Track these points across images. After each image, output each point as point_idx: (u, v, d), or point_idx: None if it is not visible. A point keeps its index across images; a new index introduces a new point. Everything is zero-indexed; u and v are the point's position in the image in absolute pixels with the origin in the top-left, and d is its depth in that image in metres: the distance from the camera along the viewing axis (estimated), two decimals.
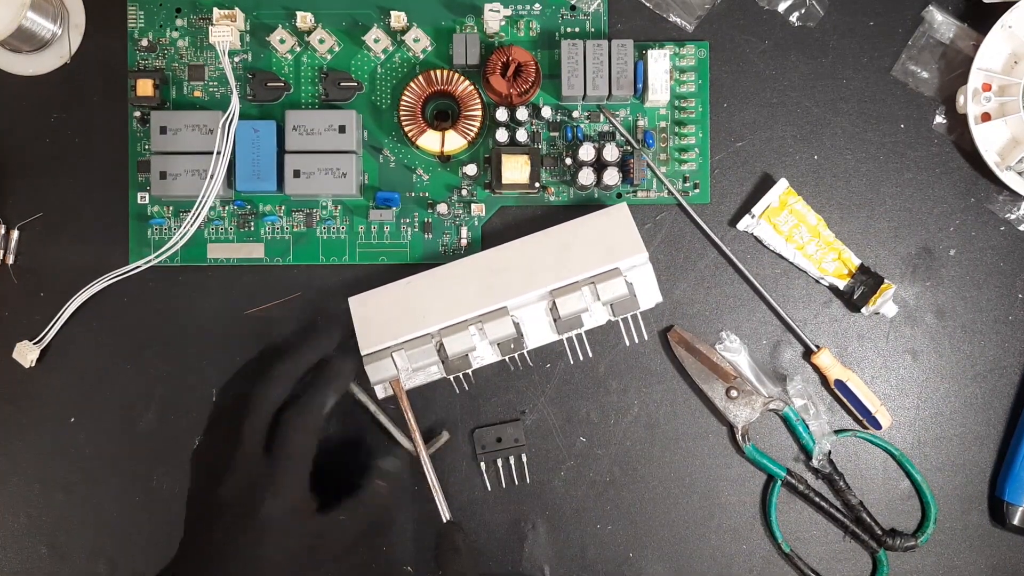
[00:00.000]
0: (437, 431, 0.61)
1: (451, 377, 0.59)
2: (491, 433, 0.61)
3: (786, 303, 0.62)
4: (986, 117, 0.60)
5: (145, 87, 0.60)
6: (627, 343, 0.60)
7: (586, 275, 0.57)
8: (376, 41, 0.60)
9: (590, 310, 0.59)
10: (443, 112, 0.61)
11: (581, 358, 0.61)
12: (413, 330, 0.57)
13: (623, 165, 0.60)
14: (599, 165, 0.59)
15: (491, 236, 0.62)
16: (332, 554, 0.51)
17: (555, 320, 0.59)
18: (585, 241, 0.58)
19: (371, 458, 0.55)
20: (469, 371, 0.59)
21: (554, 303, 0.57)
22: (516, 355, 0.59)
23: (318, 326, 0.56)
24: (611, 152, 0.59)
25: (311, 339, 0.55)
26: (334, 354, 0.55)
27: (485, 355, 0.59)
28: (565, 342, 0.60)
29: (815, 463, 0.60)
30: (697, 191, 0.62)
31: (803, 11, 0.62)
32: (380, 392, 0.59)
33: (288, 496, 0.50)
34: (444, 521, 0.56)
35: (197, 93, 0.62)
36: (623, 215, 0.58)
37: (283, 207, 0.61)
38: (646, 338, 0.61)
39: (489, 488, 0.61)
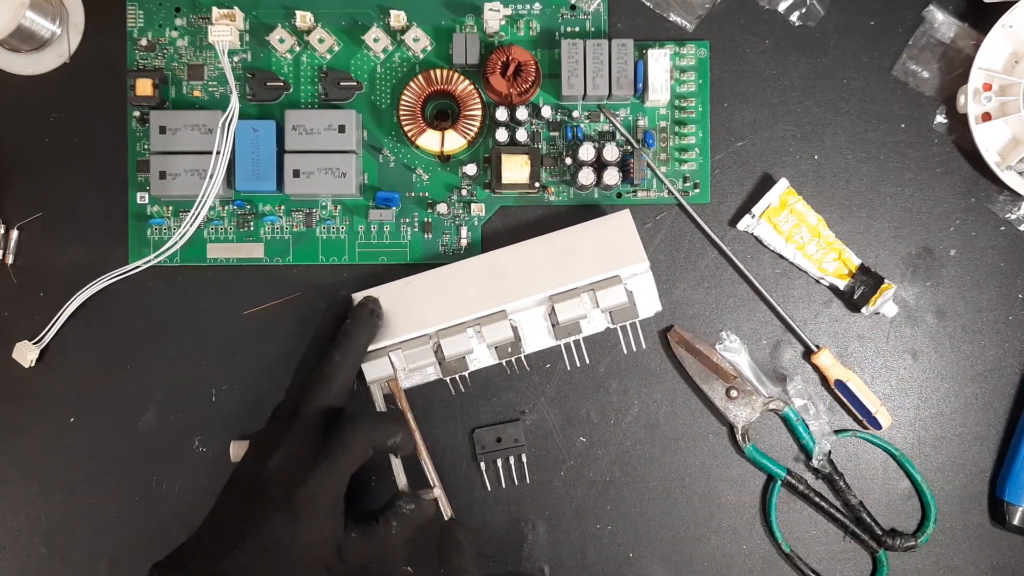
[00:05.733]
0: (437, 431, 0.61)
1: (447, 379, 0.59)
2: (491, 433, 0.61)
3: (786, 303, 0.62)
4: (987, 117, 0.60)
5: (144, 87, 0.60)
6: (625, 351, 0.60)
7: (586, 281, 0.57)
8: (376, 40, 0.60)
9: (589, 317, 0.58)
10: (443, 112, 0.61)
11: (579, 364, 0.60)
12: (411, 330, 0.57)
13: (623, 165, 0.60)
14: (599, 165, 0.59)
15: (491, 236, 0.62)
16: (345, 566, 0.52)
17: (553, 326, 0.58)
18: (586, 247, 0.58)
19: (399, 499, 0.55)
20: (466, 373, 0.59)
21: (553, 308, 0.57)
22: (513, 359, 0.59)
23: (354, 311, 0.57)
24: (611, 152, 0.59)
25: (351, 327, 0.56)
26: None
27: (482, 358, 0.59)
28: (563, 348, 0.60)
29: (815, 463, 0.60)
30: (697, 191, 0.62)
31: (803, 11, 0.62)
32: (377, 391, 0.58)
33: (329, 486, 0.51)
34: (446, 519, 0.56)
35: (196, 93, 0.61)
36: (626, 222, 0.58)
37: (283, 207, 0.61)
38: (644, 347, 0.60)
39: (489, 488, 0.61)
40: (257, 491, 0.51)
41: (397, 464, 0.56)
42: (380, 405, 0.58)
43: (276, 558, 0.49)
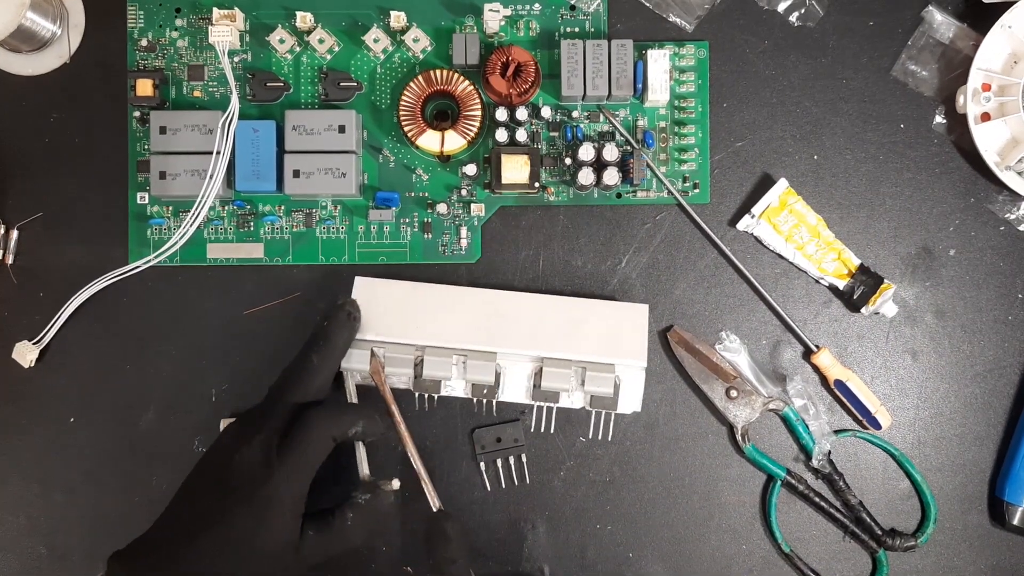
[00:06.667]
0: (437, 431, 0.61)
1: (416, 393, 0.59)
2: (491, 433, 0.61)
3: (786, 303, 0.62)
4: (986, 117, 0.60)
5: (145, 87, 0.60)
6: (586, 439, 0.60)
7: (582, 358, 0.57)
8: (376, 41, 0.60)
9: (570, 391, 0.58)
10: (443, 112, 0.61)
11: (543, 430, 0.60)
12: (402, 335, 0.57)
13: (623, 165, 0.60)
14: (599, 165, 0.59)
15: (491, 236, 0.62)
16: (307, 562, 0.52)
17: (535, 386, 0.58)
18: (595, 325, 0.58)
19: (356, 490, 0.55)
20: (435, 396, 0.58)
21: (540, 370, 0.57)
22: (484, 401, 0.59)
23: (332, 314, 0.57)
24: (611, 152, 0.59)
25: (329, 329, 0.55)
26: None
27: (456, 389, 0.59)
28: (535, 409, 0.60)
29: (815, 463, 0.60)
30: (697, 191, 0.62)
31: (803, 11, 0.62)
32: (350, 379, 0.58)
33: (290, 484, 0.51)
34: (433, 511, 0.56)
35: (197, 93, 0.62)
36: (641, 315, 0.58)
37: (283, 207, 0.61)
38: (610, 439, 0.60)
39: (489, 488, 0.61)
40: (220, 484, 0.51)
41: (361, 454, 0.56)
42: (352, 395, 0.58)
43: (236, 553, 0.49)
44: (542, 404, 0.59)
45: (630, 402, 0.59)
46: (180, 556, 0.49)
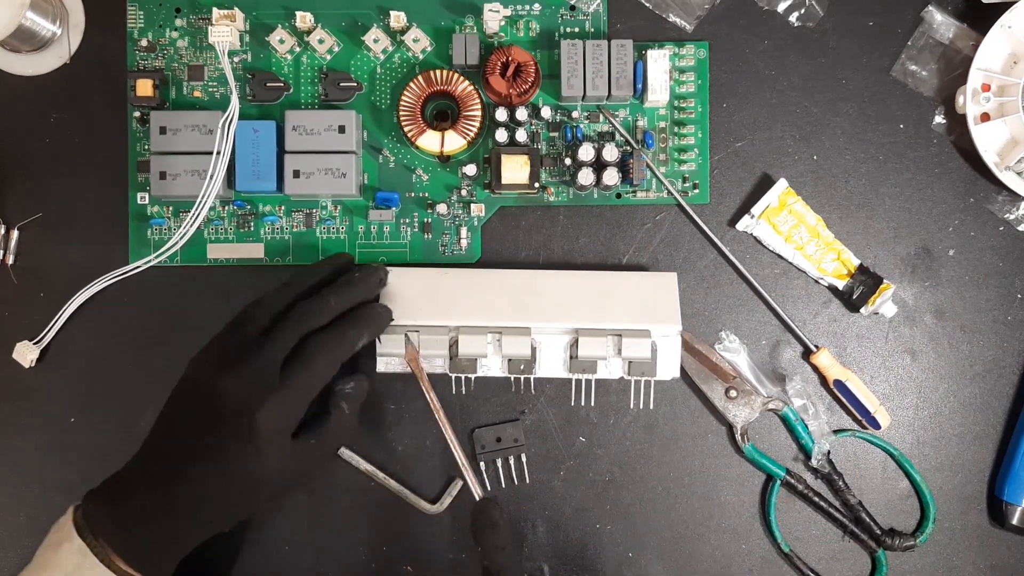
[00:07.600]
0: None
1: (452, 376, 0.59)
2: (491, 433, 0.61)
3: (785, 303, 0.62)
4: (985, 117, 0.60)
5: (145, 87, 0.60)
6: (631, 406, 0.60)
7: (617, 326, 0.57)
8: (376, 41, 0.60)
9: (608, 360, 0.58)
10: (443, 112, 0.61)
11: (583, 404, 0.60)
12: (435, 318, 0.57)
13: (622, 165, 0.60)
14: (599, 165, 0.59)
15: (491, 236, 0.62)
16: (301, 478, 0.53)
17: (571, 358, 0.58)
18: (626, 295, 0.58)
19: (334, 383, 0.55)
20: (472, 376, 0.58)
21: (576, 341, 0.57)
22: (522, 378, 0.59)
23: (364, 269, 0.57)
24: (610, 152, 0.59)
25: (358, 280, 0.56)
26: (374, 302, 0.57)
27: (492, 367, 0.58)
28: (573, 383, 0.60)
29: (814, 463, 0.60)
30: (696, 191, 0.62)
31: (803, 11, 0.62)
32: (397, 366, 0.58)
33: (288, 412, 0.51)
34: (477, 498, 0.55)
35: (197, 93, 0.62)
36: (670, 283, 0.59)
37: (283, 207, 0.61)
38: (651, 407, 0.60)
39: (489, 488, 0.61)
40: (214, 412, 0.50)
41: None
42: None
43: (230, 482, 0.49)
44: (581, 377, 0.59)
45: (668, 368, 0.58)
46: (169, 488, 0.49)
